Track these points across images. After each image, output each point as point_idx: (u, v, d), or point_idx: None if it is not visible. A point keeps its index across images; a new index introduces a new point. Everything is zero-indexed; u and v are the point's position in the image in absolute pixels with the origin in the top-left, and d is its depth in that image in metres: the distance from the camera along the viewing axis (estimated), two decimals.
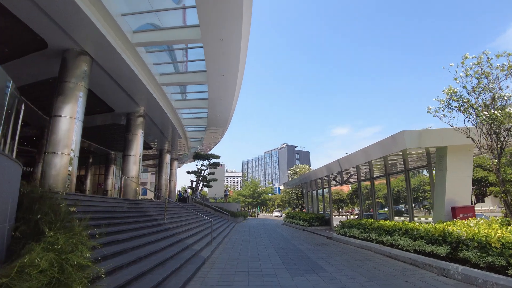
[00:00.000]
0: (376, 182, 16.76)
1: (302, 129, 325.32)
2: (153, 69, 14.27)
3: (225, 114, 21.55)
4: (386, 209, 22.61)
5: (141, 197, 37.27)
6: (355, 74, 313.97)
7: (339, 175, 19.10)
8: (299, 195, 44.69)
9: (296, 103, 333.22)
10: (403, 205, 22.09)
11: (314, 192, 25.72)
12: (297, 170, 47.37)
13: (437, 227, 8.22)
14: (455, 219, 9.27)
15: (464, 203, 10.30)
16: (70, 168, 9.92)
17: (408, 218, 12.64)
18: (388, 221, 12.12)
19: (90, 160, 29.26)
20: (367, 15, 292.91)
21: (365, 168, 15.70)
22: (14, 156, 3.73)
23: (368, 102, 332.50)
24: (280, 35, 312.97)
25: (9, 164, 3.02)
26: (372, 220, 12.62)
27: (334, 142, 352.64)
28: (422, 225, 9.31)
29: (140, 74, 13.24)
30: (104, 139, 24.15)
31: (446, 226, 7.94)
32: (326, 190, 23.49)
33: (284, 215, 50.79)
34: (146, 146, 26.18)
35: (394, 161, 13.54)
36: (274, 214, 59.21)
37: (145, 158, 31.73)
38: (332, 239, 14.22)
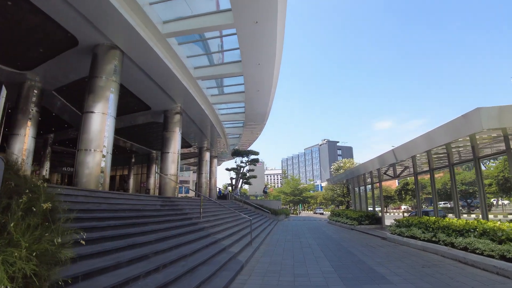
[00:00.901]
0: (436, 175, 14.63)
1: (343, 124, 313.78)
2: (186, 62, 13.71)
3: (263, 107, 20.60)
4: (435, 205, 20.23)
5: (183, 195, 37.71)
6: (397, 64, 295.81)
7: (391, 168, 17.16)
8: (344, 191, 42.38)
9: (336, 97, 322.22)
10: (449, 201, 19.62)
11: (362, 188, 23.74)
12: (341, 165, 45.05)
13: None
14: None
15: None
16: (103, 165, 9.56)
17: (480, 215, 10.58)
18: (455, 219, 10.32)
19: (133, 160, 30.12)
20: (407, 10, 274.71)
21: (423, 159, 13.71)
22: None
23: (412, 93, 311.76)
24: (320, 26, 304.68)
25: None
26: (435, 218, 10.83)
27: (378, 136, 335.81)
28: (506, 224, 7.55)
29: (173, 67, 12.73)
30: (145, 138, 24.49)
31: None
32: (374, 185, 21.53)
33: (326, 213, 48.68)
34: (186, 144, 26.16)
35: (459, 149, 11.51)
36: (317, 212, 57.33)
37: (185, 156, 31.90)
38: (386, 240, 12.70)
